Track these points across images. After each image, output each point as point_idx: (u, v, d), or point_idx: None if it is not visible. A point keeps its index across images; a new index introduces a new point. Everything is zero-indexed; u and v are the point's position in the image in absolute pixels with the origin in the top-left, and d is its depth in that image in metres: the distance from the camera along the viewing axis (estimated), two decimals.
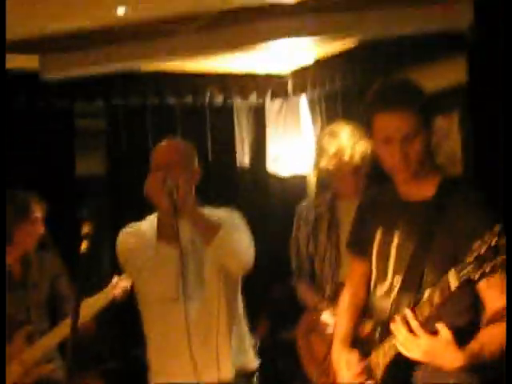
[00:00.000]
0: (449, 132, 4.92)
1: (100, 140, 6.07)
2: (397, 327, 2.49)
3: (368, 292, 3.02)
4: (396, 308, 2.71)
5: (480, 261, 2.24)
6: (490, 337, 2.51)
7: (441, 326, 2.40)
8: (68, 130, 5.80)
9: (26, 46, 4.73)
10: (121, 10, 4.14)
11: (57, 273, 4.43)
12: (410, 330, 2.44)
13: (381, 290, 2.86)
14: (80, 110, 5.86)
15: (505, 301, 2.47)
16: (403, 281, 2.73)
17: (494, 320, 2.53)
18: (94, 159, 6.14)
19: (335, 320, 3.26)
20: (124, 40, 4.71)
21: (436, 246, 2.64)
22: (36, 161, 4.98)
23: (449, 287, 2.35)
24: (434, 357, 2.44)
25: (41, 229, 4.35)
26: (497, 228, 2.22)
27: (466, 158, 4.80)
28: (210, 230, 3.37)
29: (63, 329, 4.13)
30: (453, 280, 2.33)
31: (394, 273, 2.79)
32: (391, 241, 2.82)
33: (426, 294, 2.49)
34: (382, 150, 2.73)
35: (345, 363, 2.93)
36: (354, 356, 2.88)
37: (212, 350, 3.38)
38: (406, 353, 2.48)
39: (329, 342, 3.97)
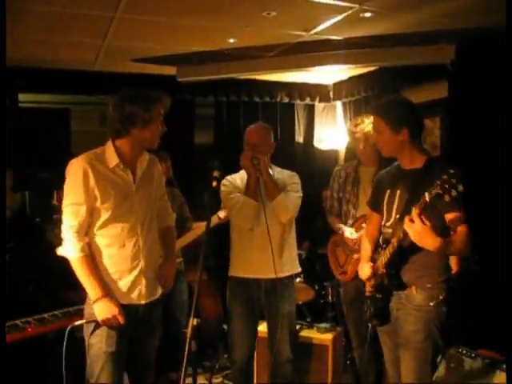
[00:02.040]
0: (433, 130, 4.87)
1: (210, 122, 6.07)
2: (406, 219, 2.59)
3: (379, 232, 3.08)
4: (394, 232, 2.82)
5: (442, 183, 2.42)
6: (454, 238, 2.67)
7: (425, 219, 2.54)
8: (190, 115, 5.85)
9: (168, 60, 4.78)
10: (231, 40, 4.17)
11: (181, 202, 4.40)
12: (410, 220, 2.56)
13: (387, 224, 2.93)
14: (198, 102, 5.86)
15: (456, 214, 2.69)
16: (399, 217, 2.81)
17: (453, 225, 2.71)
18: (206, 134, 6.10)
19: (361, 247, 3.29)
20: (230, 59, 4.73)
21: (420, 194, 2.68)
22: (171, 133, 4.99)
23: (425, 200, 2.51)
24: (422, 237, 2.57)
25: (169, 173, 4.32)
26: (454, 168, 2.44)
27: (443, 146, 4.80)
28: (275, 192, 3.46)
29: (190, 235, 4.29)
30: (427, 195, 2.49)
31: (396, 214, 2.87)
32: (395, 195, 2.90)
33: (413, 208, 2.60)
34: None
35: (363, 269, 3.06)
36: (369, 265, 3.02)
37: (271, 258, 3.37)
38: (409, 234, 2.59)
39: (347, 253, 4.10)
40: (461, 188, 2.40)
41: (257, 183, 3.45)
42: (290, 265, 3.64)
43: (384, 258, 2.87)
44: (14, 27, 3.72)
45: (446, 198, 2.45)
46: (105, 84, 5.19)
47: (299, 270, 3.77)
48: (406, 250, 2.75)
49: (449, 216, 2.71)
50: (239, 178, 3.62)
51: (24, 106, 5.16)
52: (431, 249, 2.60)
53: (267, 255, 3.39)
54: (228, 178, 3.59)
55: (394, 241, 2.77)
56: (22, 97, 5.07)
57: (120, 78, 5.22)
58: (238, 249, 3.62)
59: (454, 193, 2.41)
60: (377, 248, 3.04)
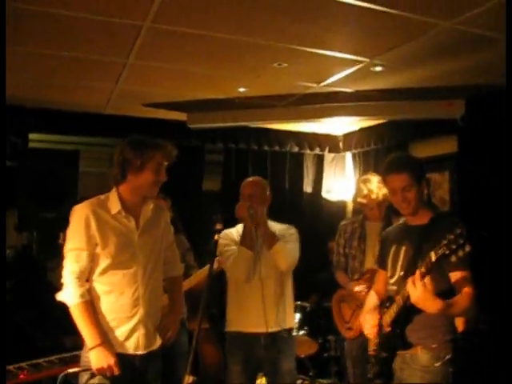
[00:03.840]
0: (442, 184, 4.86)
1: (218, 168, 6.05)
2: (408, 280, 2.54)
3: (386, 290, 3.04)
4: (399, 289, 2.75)
5: (449, 243, 2.37)
6: (458, 299, 2.59)
7: (427, 283, 2.47)
8: (200, 161, 5.84)
9: (178, 106, 4.82)
10: (241, 89, 4.20)
11: (186, 248, 4.31)
12: (413, 283, 2.49)
13: (392, 281, 2.88)
14: (208, 148, 5.86)
15: (462, 275, 2.63)
16: (404, 273, 2.76)
17: (458, 289, 2.63)
18: (213, 181, 6.08)
19: (366, 299, 3.21)
20: (240, 107, 4.78)
21: (424, 252, 2.64)
22: (179, 179, 4.83)
23: (430, 260, 2.45)
24: (423, 300, 2.49)
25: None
26: (461, 225, 2.41)
27: (452, 201, 4.76)
28: (272, 240, 3.40)
29: (193, 280, 4.14)
30: (433, 256, 2.44)
31: (400, 270, 2.82)
32: (400, 251, 2.86)
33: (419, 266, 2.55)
34: (392, 198, 2.88)
35: (367, 321, 2.95)
36: (373, 315, 2.92)
37: (264, 313, 3.30)
38: (410, 296, 2.52)
39: (353, 309, 4.04)
40: (468, 249, 2.34)
41: (252, 233, 3.42)
42: (289, 317, 3.58)
43: (388, 316, 2.79)
44: (29, 70, 3.79)
45: (453, 258, 2.40)
46: (115, 127, 5.24)
47: (295, 323, 3.68)
48: (411, 309, 2.66)
49: (454, 275, 2.64)
50: (236, 231, 3.58)
51: (33, 146, 5.18)
52: (432, 312, 2.53)
53: (265, 308, 3.33)
54: (225, 231, 3.51)
55: (399, 299, 2.70)
56: (31, 136, 5.10)
57: (131, 122, 5.27)
58: (234, 302, 3.55)
59: (460, 253, 2.36)
60: (381, 305, 2.98)
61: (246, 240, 3.40)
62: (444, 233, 2.53)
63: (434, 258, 2.43)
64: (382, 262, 3.07)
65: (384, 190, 4.00)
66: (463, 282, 2.62)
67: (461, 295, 2.61)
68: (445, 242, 2.39)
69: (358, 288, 3.94)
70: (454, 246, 2.36)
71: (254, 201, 3.43)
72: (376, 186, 4.04)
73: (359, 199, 4.10)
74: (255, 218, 3.36)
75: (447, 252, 2.37)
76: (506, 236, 3.70)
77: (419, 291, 2.47)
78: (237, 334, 3.48)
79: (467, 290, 2.62)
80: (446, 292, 2.60)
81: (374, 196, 4.02)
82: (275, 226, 3.56)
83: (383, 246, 3.06)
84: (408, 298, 2.59)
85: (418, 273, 2.49)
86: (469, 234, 2.38)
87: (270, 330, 3.37)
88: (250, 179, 3.62)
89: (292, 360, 3.54)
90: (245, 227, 3.43)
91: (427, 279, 2.48)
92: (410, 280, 2.53)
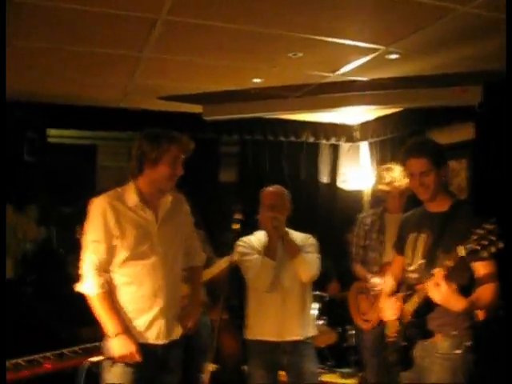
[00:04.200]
0: (459, 172, 4.82)
1: (235, 160, 6.06)
2: (429, 282, 2.50)
3: (403, 275, 3.04)
4: (420, 278, 2.74)
5: (480, 239, 2.31)
6: (482, 294, 2.56)
7: (452, 283, 2.44)
8: (215, 153, 5.85)
9: (194, 98, 4.83)
10: (256, 80, 4.20)
11: (202, 240, 4.18)
12: (437, 284, 2.46)
13: (411, 269, 2.85)
14: (223, 140, 5.87)
15: (490, 268, 2.56)
16: (425, 262, 2.74)
17: (482, 282, 2.58)
18: (230, 172, 6.09)
19: (383, 286, 3.19)
20: (256, 99, 4.76)
21: (445, 239, 2.66)
22: (196, 172, 4.80)
23: (458, 255, 2.41)
24: (447, 301, 2.48)
25: None
26: (492, 219, 2.31)
27: (469, 189, 4.74)
28: (295, 251, 3.40)
29: (215, 268, 4.09)
30: (460, 251, 2.39)
31: (420, 258, 2.79)
32: (419, 238, 2.84)
33: (443, 261, 2.50)
34: (410, 182, 2.87)
35: (387, 305, 2.93)
36: (393, 299, 2.90)
37: (292, 319, 3.38)
38: (432, 297, 2.50)
39: (371, 301, 4.03)
40: (501, 245, 2.28)
41: (277, 245, 3.40)
42: (311, 327, 3.58)
43: (411, 306, 2.76)
44: (47, 66, 3.82)
45: (484, 254, 2.35)
46: (131, 121, 5.26)
47: (317, 332, 3.69)
48: (431, 299, 2.61)
49: (481, 269, 2.59)
50: (255, 239, 3.56)
51: (52, 142, 5.22)
52: (456, 311, 2.51)
53: (287, 316, 3.37)
54: (244, 238, 3.51)
55: (422, 292, 2.65)
56: (50, 132, 5.14)
57: (147, 116, 5.28)
58: (254, 311, 3.52)
59: (493, 249, 2.30)
60: (399, 291, 2.97)
61: (270, 251, 3.37)
62: (465, 222, 2.54)
63: (463, 253, 2.39)
64: (399, 247, 3.04)
65: (407, 180, 3.98)
66: (489, 276, 2.58)
67: (484, 289, 2.57)
68: (474, 237, 2.33)
69: (376, 280, 3.94)
70: (485, 242, 2.30)
71: (276, 211, 3.39)
72: (399, 175, 4.01)
73: (381, 187, 4.08)
74: (280, 229, 3.36)
75: (478, 248, 2.32)
76: None
77: (443, 292, 2.44)
78: (256, 341, 3.46)
79: (492, 284, 2.57)
80: (466, 285, 2.59)
81: (397, 184, 3.99)
82: (295, 235, 3.54)
83: (401, 232, 3.04)
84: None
85: (440, 273, 2.46)
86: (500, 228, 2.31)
87: (293, 338, 3.39)
88: (271, 189, 3.54)
89: (315, 363, 3.55)
90: (270, 238, 3.40)
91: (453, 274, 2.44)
92: (432, 281, 2.49)
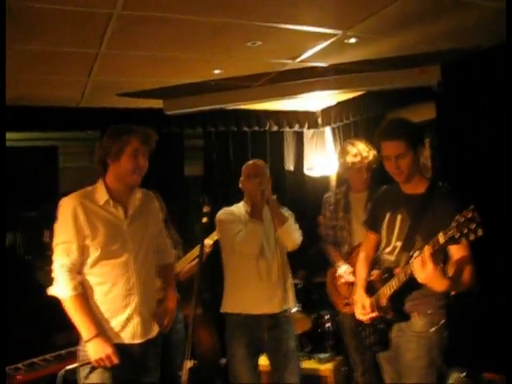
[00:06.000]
0: (423, 151, 4.88)
1: (199, 153, 6.02)
2: (415, 261, 2.49)
3: (375, 253, 3.06)
4: (397, 261, 2.78)
5: (460, 226, 2.28)
6: (461, 276, 2.58)
7: (437, 264, 2.44)
8: (179, 147, 5.79)
9: (154, 93, 4.77)
10: (216, 71, 4.16)
11: (177, 242, 4.20)
12: (423, 263, 2.44)
13: (387, 250, 2.89)
14: (187, 134, 5.82)
15: (466, 251, 2.59)
16: (402, 245, 2.77)
17: (459, 264, 2.60)
18: (195, 165, 6.08)
19: (356, 270, 3.22)
20: (217, 90, 4.73)
21: (424, 223, 2.68)
22: (161, 166, 4.73)
23: (438, 242, 2.41)
24: (432, 280, 2.47)
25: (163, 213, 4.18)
26: (471, 206, 2.28)
27: (433, 167, 4.80)
28: (283, 218, 3.46)
29: (181, 263, 4.17)
30: (442, 237, 2.38)
31: (396, 240, 2.83)
32: (395, 219, 2.85)
33: (421, 250, 2.50)
34: (385, 164, 2.84)
35: (360, 303, 2.95)
36: (368, 301, 2.91)
37: (277, 290, 3.42)
38: (417, 276, 2.48)
39: (350, 285, 4.05)
40: (480, 233, 2.26)
41: (262, 208, 3.43)
42: (292, 297, 3.61)
43: (387, 290, 2.80)
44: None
45: (463, 241, 2.36)
46: (92, 120, 5.18)
47: (296, 306, 3.73)
48: (411, 284, 2.64)
49: (457, 253, 2.62)
50: (236, 208, 3.61)
51: (10, 145, 5.10)
52: (439, 290, 2.53)
53: (272, 287, 3.39)
54: (226, 209, 3.57)
55: (402, 276, 2.68)
56: (8, 135, 5.00)
57: (107, 114, 5.19)
58: (234, 284, 3.52)
59: (472, 237, 2.28)
60: (372, 269, 3.00)
61: (257, 214, 3.39)
62: (443, 206, 2.58)
63: (442, 240, 2.38)
64: (372, 224, 3.05)
65: (374, 152, 3.99)
66: (466, 259, 2.60)
67: (462, 271, 2.58)
68: (454, 224, 2.31)
69: (342, 270, 3.96)
70: (465, 230, 2.27)
71: (260, 178, 3.46)
72: (365, 147, 4.04)
73: (349, 159, 4.05)
74: (266, 193, 3.39)
75: (458, 234, 2.30)
76: (492, 196, 3.76)
77: (429, 271, 2.42)
78: (237, 316, 3.46)
79: (469, 266, 2.59)
80: (442, 265, 2.63)
81: (365, 154, 4.01)
82: None
83: (376, 210, 3.04)
84: (411, 274, 2.57)
85: (427, 253, 2.44)
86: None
87: (275, 310, 3.41)
88: (252, 161, 3.64)
89: (295, 339, 3.57)
90: (255, 202, 3.42)
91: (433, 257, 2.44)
92: (418, 260, 2.48)
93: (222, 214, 3.50)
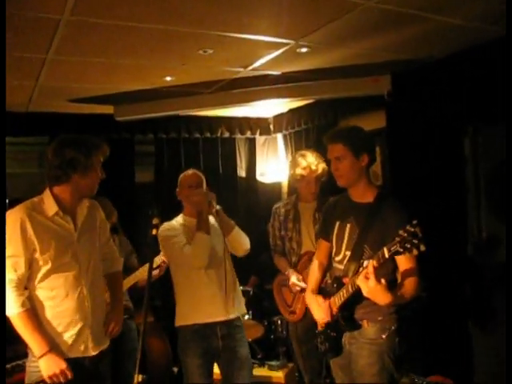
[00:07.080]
0: None
1: (151, 159, 5.96)
2: (360, 276, 2.55)
3: (328, 260, 3.09)
4: (346, 271, 2.80)
5: (403, 241, 2.34)
6: (405, 288, 2.63)
7: (380, 279, 2.48)
8: (130, 153, 5.72)
9: (105, 99, 4.70)
10: (167, 78, 4.13)
11: (130, 251, 4.26)
12: (366, 277, 2.50)
13: (337, 259, 2.91)
14: (138, 140, 5.76)
15: (411, 263, 2.63)
16: (351, 254, 2.80)
17: (404, 275, 2.65)
18: (146, 172, 6.02)
19: (308, 276, 3.24)
20: (168, 96, 4.70)
21: (372, 233, 2.72)
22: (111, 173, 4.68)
23: (383, 256, 2.46)
24: (375, 295, 2.52)
25: (114, 219, 4.08)
26: (414, 221, 2.35)
27: (383, 174, 4.87)
28: (231, 226, 3.45)
29: (133, 278, 4.09)
30: (386, 252, 2.44)
31: (346, 249, 2.85)
32: (345, 228, 2.87)
33: (369, 261, 2.55)
34: (331, 167, 2.91)
35: (316, 304, 2.97)
36: (321, 299, 2.95)
37: (227, 298, 3.40)
38: (362, 290, 2.54)
39: (294, 293, 4.09)
40: (423, 248, 2.34)
41: (207, 218, 3.40)
42: (243, 303, 3.62)
43: (338, 299, 2.83)
44: None
45: (406, 255, 2.44)
46: (40, 125, 5.07)
47: (246, 311, 3.73)
48: (360, 293, 2.66)
49: (403, 265, 2.68)
50: (176, 223, 3.54)
51: None
52: (382, 304, 2.57)
53: (223, 295, 3.38)
54: (167, 224, 3.49)
55: (350, 287, 2.72)
56: None
57: (56, 119, 5.08)
58: (187, 295, 3.48)
59: (415, 252, 2.36)
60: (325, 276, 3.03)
61: (203, 226, 3.35)
62: (391, 216, 2.63)
63: (387, 255, 2.45)
64: (324, 232, 3.08)
65: (323, 165, 4.04)
66: (411, 271, 2.65)
67: (407, 284, 2.64)
68: (398, 239, 2.38)
69: (294, 280, 3.99)
70: (408, 245, 2.35)
71: (204, 189, 3.44)
72: (315, 160, 4.07)
73: (298, 171, 4.09)
74: (213, 204, 3.36)
75: (401, 250, 2.37)
76: (441, 202, 3.84)
77: (372, 285, 2.48)
78: (191, 327, 3.42)
79: (413, 278, 2.65)
80: (390, 276, 2.69)
81: (313, 167, 4.04)
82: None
83: (326, 219, 3.08)
84: (358, 286, 2.61)
85: (371, 268, 2.49)
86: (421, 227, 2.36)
87: (230, 316, 3.40)
88: (191, 171, 3.59)
89: (247, 346, 3.56)
90: (201, 214, 3.38)
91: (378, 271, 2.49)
92: (362, 274, 2.53)
93: (163, 230, 3.41)
